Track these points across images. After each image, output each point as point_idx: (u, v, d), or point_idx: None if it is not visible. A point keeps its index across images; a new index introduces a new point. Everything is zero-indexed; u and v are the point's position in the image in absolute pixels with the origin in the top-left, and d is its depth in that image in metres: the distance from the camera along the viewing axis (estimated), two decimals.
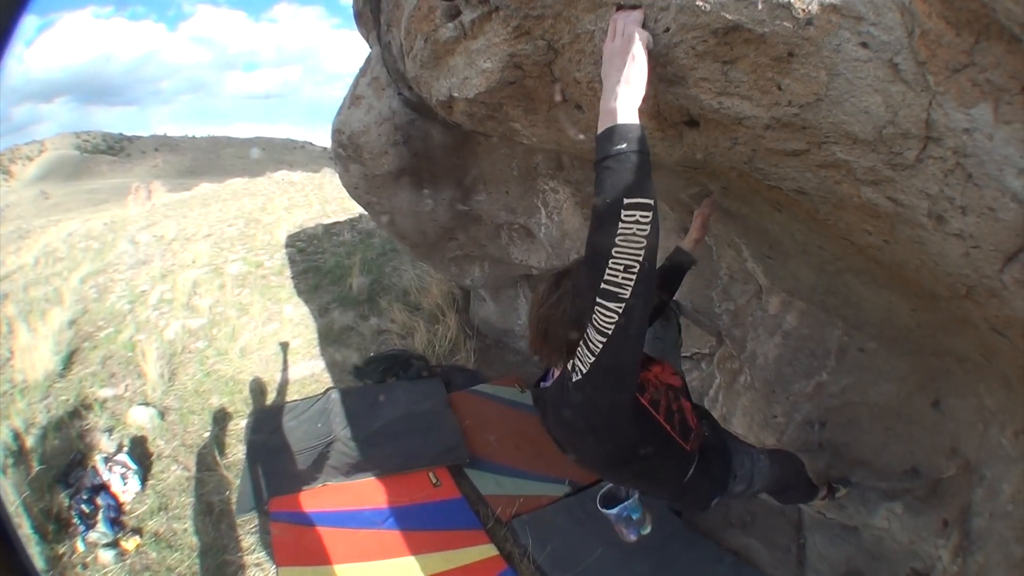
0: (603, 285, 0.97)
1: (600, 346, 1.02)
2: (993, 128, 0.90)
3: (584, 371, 1.07)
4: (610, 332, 1.00)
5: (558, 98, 1.39)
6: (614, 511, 1.70)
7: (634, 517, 1.72)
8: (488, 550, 2.88)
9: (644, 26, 1.04)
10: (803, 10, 0.89)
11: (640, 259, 0.96)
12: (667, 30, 1.03)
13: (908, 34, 0.90)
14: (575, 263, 1.30)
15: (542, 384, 1.39)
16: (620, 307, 0.98)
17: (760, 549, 2.92)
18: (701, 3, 0.95)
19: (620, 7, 1.08)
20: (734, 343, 2.70)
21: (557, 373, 1.31)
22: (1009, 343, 1.25)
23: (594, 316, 1.00)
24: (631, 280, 0.96)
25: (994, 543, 1.76)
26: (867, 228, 1.19)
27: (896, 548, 2.36)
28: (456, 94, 1.60)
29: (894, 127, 0.96)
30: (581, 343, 1.06)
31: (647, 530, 1.74)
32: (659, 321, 2.00)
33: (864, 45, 0.91)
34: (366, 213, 4.72)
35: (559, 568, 2.78)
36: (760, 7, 0.91)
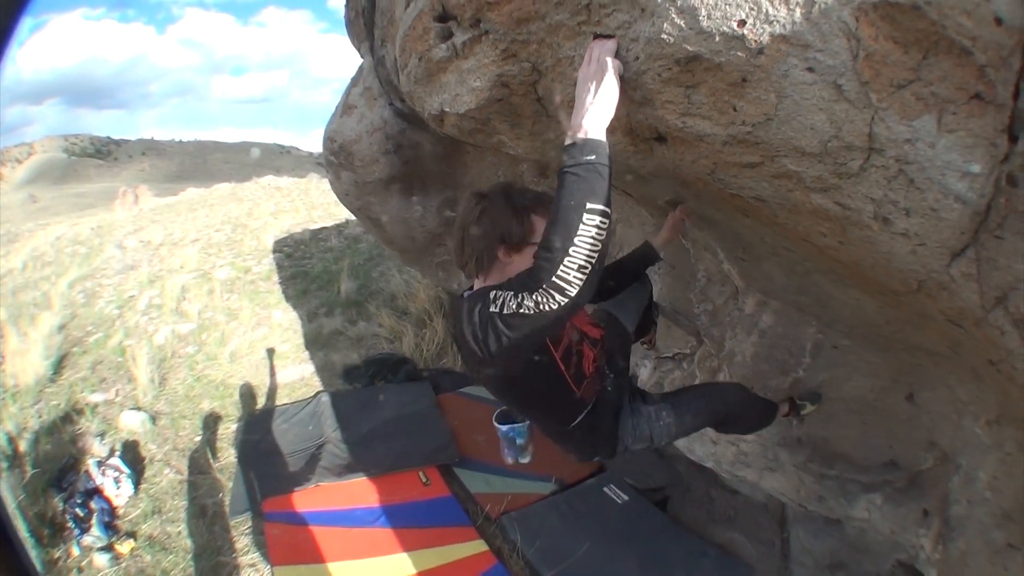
0: (554, 279, 1.05)
1: (531, 312, 1.10)
2: (936, 137, 0.97)
3: (505, 312, 1.13)
4: (547, 311, 1.08)
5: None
6: (504, 427, 1.76)
7: (518, 441, 1.77)
8: (478, 546, 2.93)
9: (617, 54, 1.15)
10: (755, 41, 0.98)
11: (593, 261, 1.05)
12: (637, 58, 1.13)
13: (853, 57, 0.97)
14: (494, 187, 1.43)
15: (465, 294, 1.42)
16: (565, 300, 1.06)
17: (744, 543, 2.97)
18: (666, 36, 1.05)
19: (597, 36, 1.18)
20: (713, 342, 2.76)
21: (477, 286, 1.36)
22: (966, 334, 1.31)
23: (537, 295, 1.07)
24: (582, 279, 1.05)
25: (974, 530, 1.79)
26: (822, 231, 1.28)
27: (879, 540, 2.37)
28: (447, 109, 1.67)
29: (838, 141, 1.04)
30: (513, 295, 1.12)
31: (526, 459, 1.77)
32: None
33: (810, 70, 1.00)
34: (353, 219, 4.75)
35: (547, 563, 2.83)
36: (717, 39, 1.01)
